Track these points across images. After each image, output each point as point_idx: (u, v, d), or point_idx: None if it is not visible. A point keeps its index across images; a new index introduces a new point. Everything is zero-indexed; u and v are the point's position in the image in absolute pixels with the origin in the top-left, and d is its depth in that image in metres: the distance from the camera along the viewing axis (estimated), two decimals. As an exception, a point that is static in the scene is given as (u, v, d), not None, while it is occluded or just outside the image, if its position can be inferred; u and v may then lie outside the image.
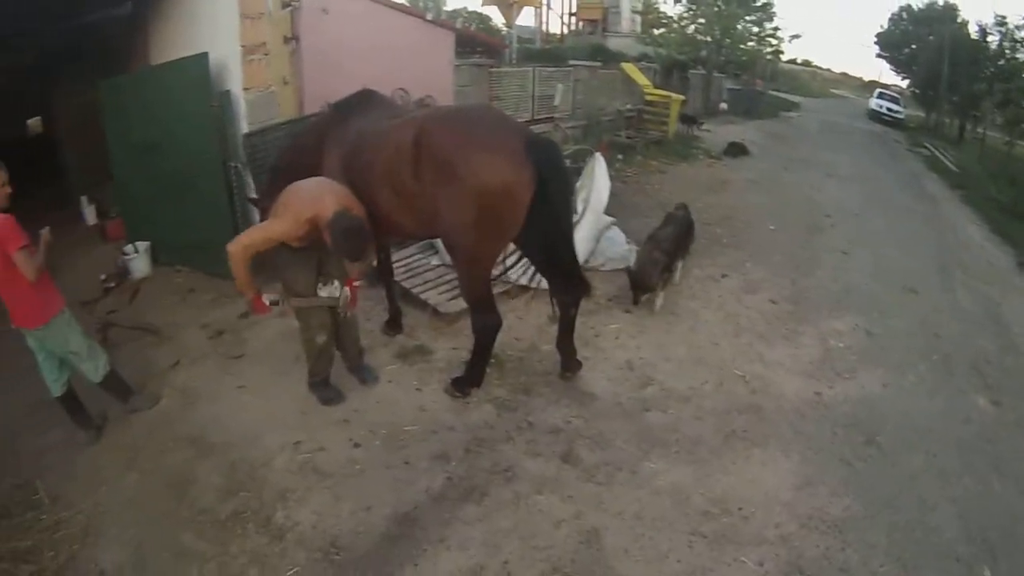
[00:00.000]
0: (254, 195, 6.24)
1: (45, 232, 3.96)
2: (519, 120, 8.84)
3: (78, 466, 4.08)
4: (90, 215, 9.99)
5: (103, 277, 7.39)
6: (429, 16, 12.49)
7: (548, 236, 4.17)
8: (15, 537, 3.56)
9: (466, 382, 4.54)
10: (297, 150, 5.08)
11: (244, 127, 6.39)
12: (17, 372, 4.57)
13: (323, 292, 4.23)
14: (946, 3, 33.68)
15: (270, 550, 3.40)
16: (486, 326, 4.31)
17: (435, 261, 6.50)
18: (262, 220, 5.08)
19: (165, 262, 7.58)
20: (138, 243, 7.50)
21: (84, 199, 10.06)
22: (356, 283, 4.35)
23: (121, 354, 5.63)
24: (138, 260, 7.39)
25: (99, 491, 3.89)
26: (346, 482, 3.82)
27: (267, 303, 4.18)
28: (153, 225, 7.55)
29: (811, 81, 51.12)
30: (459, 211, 3.90)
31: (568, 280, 4.40)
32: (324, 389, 4.55)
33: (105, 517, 3.66)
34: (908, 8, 35.89)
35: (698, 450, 4.07)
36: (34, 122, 17.06)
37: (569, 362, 4.74)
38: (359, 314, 4.80)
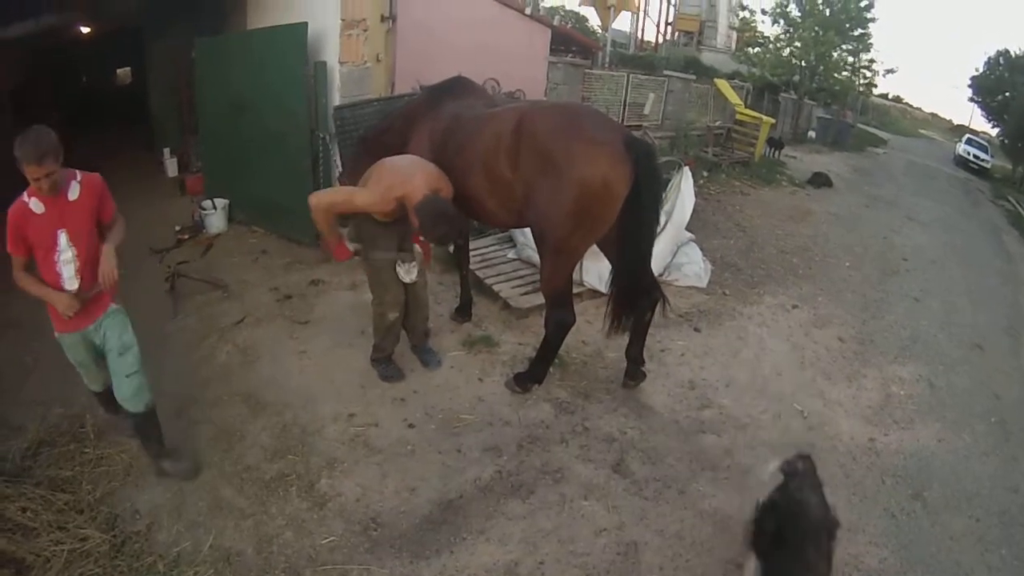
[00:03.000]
0: (340, 168, 6.32)
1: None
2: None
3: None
4: (171, 167, 10.22)
5: (178, 228, 7.59)
6: (527, 10, 12.49)
7: (633, 236, 4.11)
8: (56, 465, 3.65)
9: (528, 378, 4.50)
10: (386, 128, 5.12)
11: (336, 99, 6.47)
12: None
13: (401, 271, 4.23)
14: (1047, 53, 32.12)
15: (309, 516, 3.42)
16: (560, 322, 4.26)
17: (511, 255, 6.49)
18: None
19: (241, 221, 7.74)
20: (216, 199, 7.65)
21: (167, 151, 10.30)
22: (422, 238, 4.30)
23: (186, 305, 5.83)
24: (215, 216, 7.56)
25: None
26: (395, 460, 3.82)
27: (351, 249, 4.23)
28: (234, 184, 7.71)
29: (900, 118, 49.59)
30: (555, 201, 3.87)
31: (641, 286, 4.32)
32: (386, 366, 4.57)
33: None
34: (1006, 54, 34.36)
35: (748, 479, 3.95)
36: (123, 72, 17.63)
37: (634, 371, 4.67)
38: (430, 296, 4.82)
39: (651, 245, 4.28)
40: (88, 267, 3.29)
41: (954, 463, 4.51)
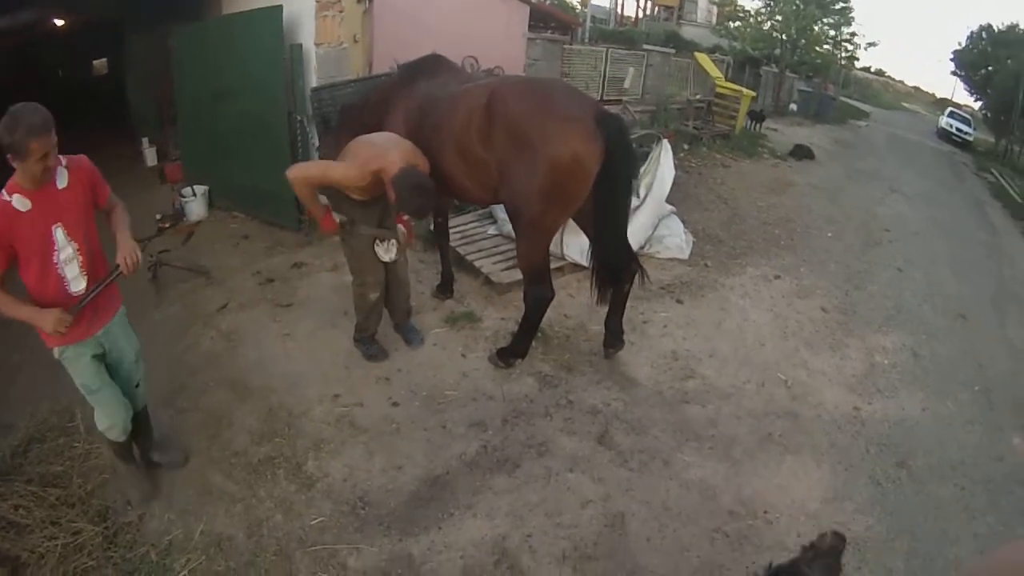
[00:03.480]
0: (318, 144, 6.30)
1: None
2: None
3: (116, 398, 4.15)
4: (150, 156, 10.16)
5: (159, 217, 7.55)
6: (506, -13, 12.40)
7: (608, 211, 4.12)
8: (46, 461, 3.65)
9: (511, 353, 4.52)
10: (362, 107, 5.13)
11: (313, 81, 6.43)
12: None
13: (379, 250, 4.23)
14: (1029, 26, 32.11)
15: (297, 498, 3.44)
16: (538, 297, 4.27)
17: (492, 231, 6.48)
18: None
19: (222, 207, 7.71)
20: (196, 186, 7.61)
21: (145, 140, 10.23)
22: (406, 217, 4.36)
23: (169, 293, 5.82)
24: (195, 203, 7.52)
25: None
26: (381, 439, 3.84)
27: (337, 220, 4.20)
28: (213, 170, 7.68)
29: (883, 91, 49.73)
30: (527, 178, 3.87)
31: (619, 259, 4.32)
32: (369, 345, 4.57)
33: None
34: (989, 28, 34.42)
35: (732, 449, 4.01)
36: (100, 63, 17.45)
37: (613, 340, 4.69)
38: (411, 275, 4.82)
39: (626, 219, 4.29)
40: (93, 261, 2.98)
41: (939, 431, 4.57)
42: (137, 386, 3.35)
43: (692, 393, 4.52)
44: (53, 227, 2.80)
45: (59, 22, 12.61)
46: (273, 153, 6.60)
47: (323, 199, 4.22)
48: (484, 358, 4.63)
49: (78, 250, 2.90)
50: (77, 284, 2.93)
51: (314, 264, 6.02)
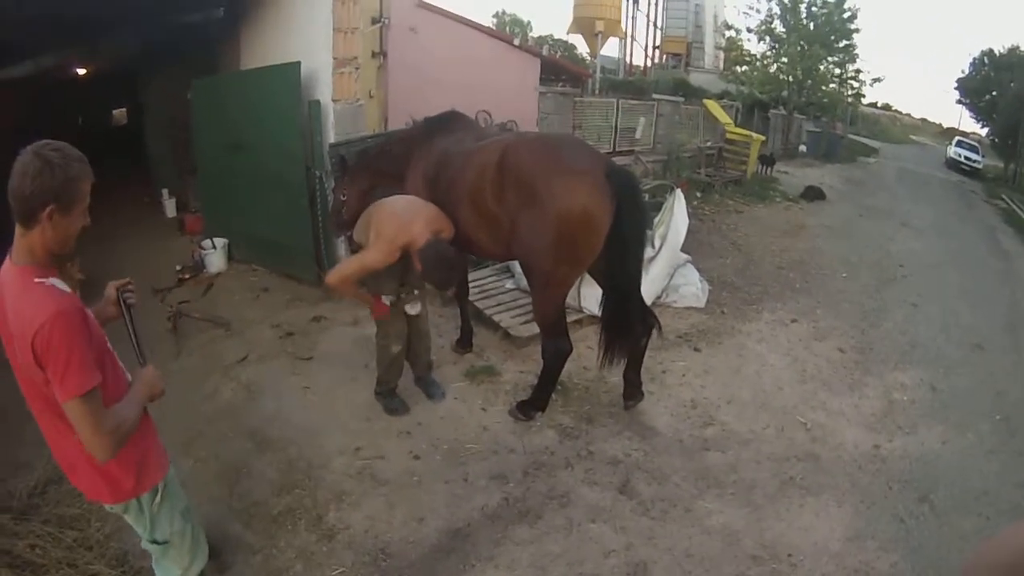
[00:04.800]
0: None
1: (148, 371, 2.34)
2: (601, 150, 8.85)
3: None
4: (170, 207, 10.32)
5: (179, 268, 7.66)
6: (516, 41, 12.66)
7: (620, 266, 4.17)
8: (64, 503, 3.63)
9: (531, 406, 4.54)
10: (385, 155, 5.24)
11: (331, 137, 6.53)
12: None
13: (405, 305, 4.32)
14: (1029, 48, 32.17)
15: (318, 548, 3.42)
16: (556, 351, 4.31)
17: (509, 284, 6.55)
18: (338, 210, 5.35)
19: (241, 260, 7.81)
20: (216, 239, 7.73)
21: (165, 192, 10.39)
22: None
23: (189, 344, 5.88)
24: (215, 255, 7.63)
25: None
26: (402, 491, 3.84)
27: (387, 303, 4.26)
28: (233, 223, 7.79)
29: (890, 126, 49.91)
30: (539, 234, 3.93)
31: (633, 314, 4.36)
32: (390, 399, 4.60)
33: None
34: (990, 53, 34.63)
35: (753, 494, 3.99)
36: (119, 113, 17.82)
37: (632, 391, 4.70)
38: (431, 329, 4.88)
39: (639, 273, 4.34)
40: None
41: (960, 463, 4.53)
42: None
43: (712, 440, 4.51)
44: (89, 311, 2.16)
45: (80, 71, 12.91)
46: (292, 208, 6.72)
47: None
48: (504, 411, 4.65)
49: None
50: (125, 371, 2.38)
51: (334, 318, 6.09)
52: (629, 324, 4.36)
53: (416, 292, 4.36)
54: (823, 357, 5.95)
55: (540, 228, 3.91)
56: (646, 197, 5.14)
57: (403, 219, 4.03)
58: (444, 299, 6.22)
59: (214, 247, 7.65)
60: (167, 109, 10.68)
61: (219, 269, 7.65)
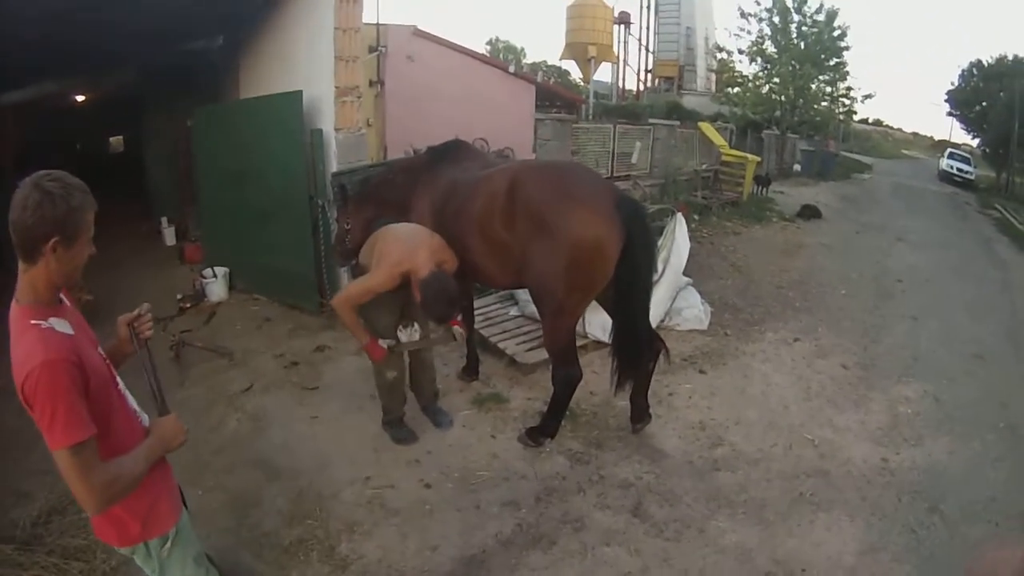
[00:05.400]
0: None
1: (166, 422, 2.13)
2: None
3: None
4: (169, 236, 10.32)
5: (180, 297, 7.64)
6: (511, 68, 12.74)
7: (630, 293, 4.19)
8: (69, 533, 3.60)
9: (540, 432, 4.53)
10: (388, 185, 5.25)
11: (333, 166, 6.55)
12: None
13: (402, 335, 4.31)
14: (1016, 57, 32.32)
15: (332, 578, 3.39)
16: (567, 378, 4.32)
17: (514, 311, 6.57)
18: (342, 239, 5.32)
19: (242, 289, 7.81)
20: (217, 267, 7.73)
21: (164, 220, 10.39)
22: (458, 315, 4.45)
23: (192, 374, 5.86)
24: (216, 284, 7.63)
25: None
26: (414, 521, 3.82)
27: (384, 347, 4.23)
28: (234, 252, 7.80)
29: (883, 141, 50.37)
30: (550, 262, 3.96)
31: (642, 340, 4.38)
32: (397, 428, 4.59)
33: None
34: (979, 64, 34.78)
35: (765, 512, 3.99)
36: (116, 140, 17.88)
37: (639, 415, 4.70)
38: (436, 358, 4.89)
39: (648, 300, 4.35)
40: None
41: (967, 472, 4.54)
42: None
43: (721, 460, 4.51)
44: (98, 350, 2.06)
45: (80, 97, 12.96)
46: (294, 237, 6.75)
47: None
48: (513, 438, 4.64)
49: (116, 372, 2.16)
50: (143, 414, 2.22)
51: (338, 348, 6.08)
52: (639, 350, 4.37)
53: (415, 325, 4.37)
54: (827, 374, 5.96)
55: (553, 257, 3.94)
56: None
57: (408, 246, 4.05)
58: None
59: (215, 276, 7.65)
60: (167, 137, 10.73)
61: (220, 298, 7.64)
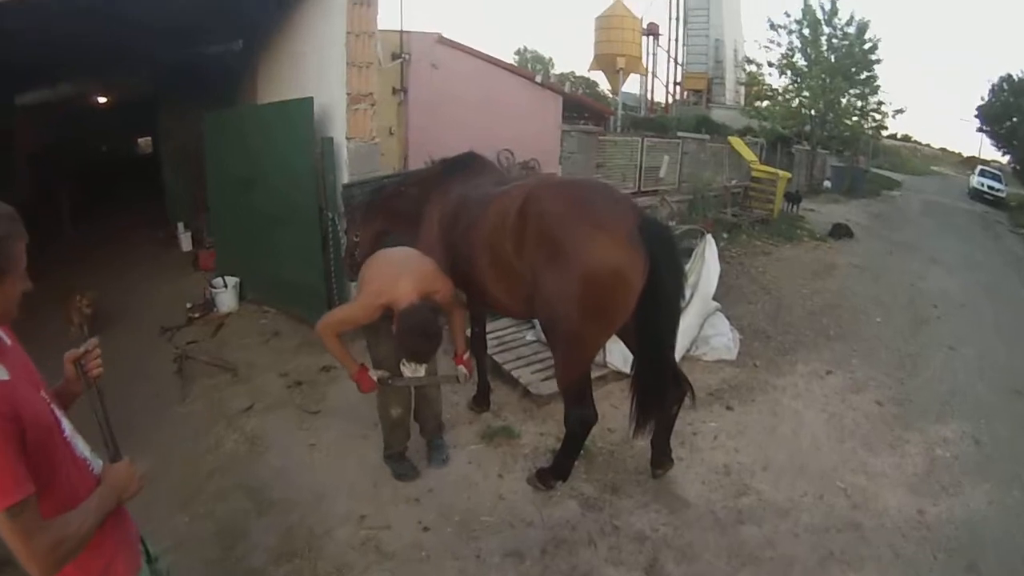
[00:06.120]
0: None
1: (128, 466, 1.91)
2: (628, 194, 8.57)
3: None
4: (185, 241, 10.26)
5: (189, 306, 7.55)
6: (538, 78, 12.56)
7: (653, 329, 3.79)
8: None
9: (551, 474, 4.18)
10: (400, 197, 4.98)
11: (344, 176, 6.32)
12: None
13: (405, 370, 3.96)
14: (1048, 71, 31.70)
15: (316, 625, 3.15)
16: (580, 419, 3.95)
17: (531, 337, 6.17)
18: (351, 252, 5.16)
19: (253, 300, 7.65)
20: (227, 277, 7.57)
21: (181, 225, 10.32)
22: (466, 356, 4.19)
23: (194, 388, 5.77)
24: (225, 295, 7.48)
25: (145, 527, 3.75)
26: (408, 567, 3.55)
27: (374, 379, 3.96)
28: (244, 262, 7.65)
29: (911, 157, 49.71)
30: (563, 293, 3.57)
31: (665, 380, 3.99)
32: (399, 463, 4.31)
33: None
34: (1009, 79, 34.03)
35: (792, 571, 3.66)
36: (144, 141, 17.94)
37: (660, 458, 4.34)
38: (446, 386, 4.64)
39: (674, 336, 3.97)
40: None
41: (1007, 524, 4.23)
42: None
43: (747, 511, 4.16)
44: (41, 393, 1.79)
45: (102, 99, 12.96)
46: (303, 249, 6.53)
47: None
48: (522, 479, 4.31)
49: (64, 415, 1.89)
50: (95, 460, 1.93)
51: (343, 369, 5.79)
52: (662, 390, 3.98)
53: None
54: (861, 411, 5.61)
55: (564, 287, 3.55)
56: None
57: (390, 275, 3.78)
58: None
59: (225, 286, 7.50)
60: (183, 141, 10.64)
61: (230, 309, 7.49)
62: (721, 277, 6.91)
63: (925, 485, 4.61)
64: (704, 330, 6.29)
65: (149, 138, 17.26)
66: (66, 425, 1.85)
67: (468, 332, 4.86)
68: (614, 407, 4.98)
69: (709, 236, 6.72)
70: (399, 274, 3.75)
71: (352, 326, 3.87)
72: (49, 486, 1.68)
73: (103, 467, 1.92)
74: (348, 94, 6.22)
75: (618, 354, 5.27)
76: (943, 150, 62.75)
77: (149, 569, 2.12)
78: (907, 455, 5.00)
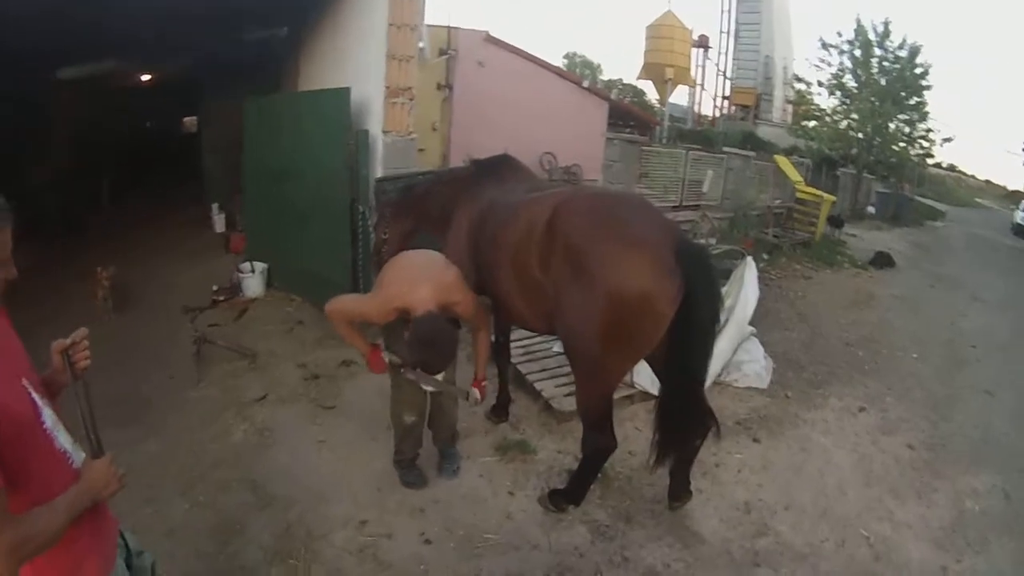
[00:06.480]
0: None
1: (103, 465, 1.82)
2: (667, 208, 8.35)
3: (132, 477, 3.88)
4: (219, 223, 10.31)
5: (215, 288, 7.54)
6: (585, 83, 12.44)
7: (684, 359, 3.51)
8: None
9: (564, 497, 3.98)
10: (430, 196, 4.84)
11: (378, 171, 6.23)
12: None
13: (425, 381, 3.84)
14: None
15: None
16: (598, 448, 3.74)
17: (557, 348, 5.83)
18: (379, 250, 5.06)
19: (279, 287, 7.60)
20: (255, 263, 7.54)
21: (215, 207, 10.36)
22: (483, 382, 4.04)
23: (210, 372, 5.77)
24: (252, 280, 7.46)
25: (144, 510, 3.75)
26: (406, 581, 3.42)
27: (385, 360, 3.85)
28: (274, 248, 7.61)
29: (956, 188, 48.55)
30: (584, 314, 3.32)
31: (693, 414, 3.75)
32: (408, 470, 4.18)
33: (141, 539, 3.36)
34: None
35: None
36: (190, 120, 18.08)
37: (679, 491, 4.12)
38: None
39: (705, 371, 3.69)
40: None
41: None
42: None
43: (764, 554, 3.96)
44: (23, 382, 1.70)
45: (145, 76, 13.05)
46: (332, 241, 6.45)
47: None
48: (533, 498, 4.14)
49: (49, 405, 1.79)
50: (77, 453, 1.84)
51: (363, 365, 5.65)
52: (688, 424, 3.74)
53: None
54: (891, 455, 5.36)
55: (587, 308, 3.29)
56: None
57: (409, 280, 3.61)
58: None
59: (253, 271, 7.48)
60: (223, 124, 10.67)
61: (256, 294, 7.46)
62: (758, 299, 6.70)
63: (950, 540, 4.38)
64: (737, 355, 6.06)
65: (195, 118, 17.38)
66: (47, 416, 1.75)
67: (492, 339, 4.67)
68: (638, 429, 4.82)
69: (749, 258, 6.49)
70: (418, 280, 3.59)
71: (362, 320, 3.77)
72: (24, 479, 1.60)
73: (83, 463, 1.83)
74: (387, 87, 6.13)
75: (646, 374, 5.02)
76: (988, 182, 61.18)
77: (128, 565, 2.07)
78: (934, 505, 4.76)
